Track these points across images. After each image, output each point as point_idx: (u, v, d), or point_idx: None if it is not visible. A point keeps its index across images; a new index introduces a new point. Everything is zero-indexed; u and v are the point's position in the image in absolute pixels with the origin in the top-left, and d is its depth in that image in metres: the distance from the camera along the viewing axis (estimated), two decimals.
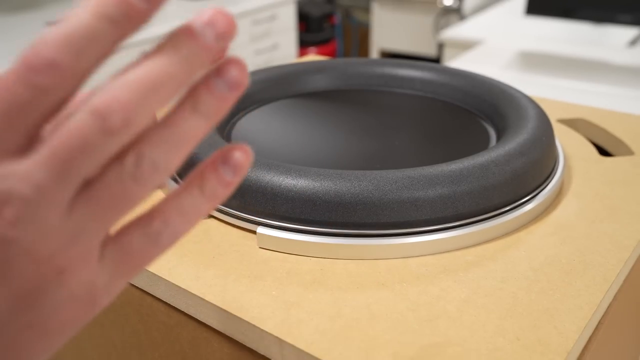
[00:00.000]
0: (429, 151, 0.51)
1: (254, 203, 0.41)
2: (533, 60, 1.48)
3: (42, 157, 0.19)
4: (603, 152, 0.58)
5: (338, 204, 0.39)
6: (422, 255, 0.39)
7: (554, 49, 1.54)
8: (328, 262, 0.39)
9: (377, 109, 0.60)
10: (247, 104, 0.59)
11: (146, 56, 0.21)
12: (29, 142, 0.20)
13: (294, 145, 0.53)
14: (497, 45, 1.58)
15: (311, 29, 2.99)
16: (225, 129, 0.54)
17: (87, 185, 0.20)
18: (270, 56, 2.64)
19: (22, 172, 0.19)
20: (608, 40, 1.65)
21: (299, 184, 0.40)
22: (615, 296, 0.39)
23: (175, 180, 0.47)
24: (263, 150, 0.51)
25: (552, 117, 0.61)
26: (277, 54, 2.67)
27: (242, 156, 0.23)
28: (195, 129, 0.21)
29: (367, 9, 3.11)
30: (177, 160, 0.21)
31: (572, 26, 1.74)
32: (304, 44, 3.00)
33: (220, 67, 0.21)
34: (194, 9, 2.34)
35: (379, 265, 0.39)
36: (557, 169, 0.49)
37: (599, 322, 0.37)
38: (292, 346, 0.32)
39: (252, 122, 0.56)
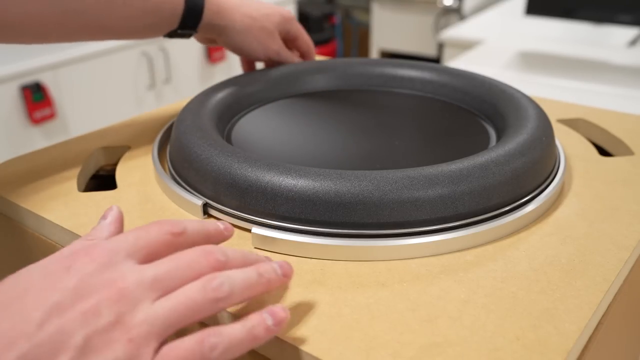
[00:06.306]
0: (429, 151, 0.51)
1: (253, 203, 0.41)
2: (533, 60, 1.48)
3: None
4: (603, 152, 0.58)
5: (338, 204, 0.39)
6: (422, 256, 0.39)
7: (554, 49, 1.54)
8: (328, 262, 0.39)
9: (377, 109, 0.60)
10: (247, 104, 0.59)
11: None
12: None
13: (294, 145, 0.53)
14: (497, 45, 1.58)
15: (311, 29, 2.99)
16: (225, 129, 0.54)
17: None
18: None
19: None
20: (608, 40, 1.65)
21: (299, 184, 0.40)
22: (615, 296, 0.39)
23: (173, 177, 0.47)
24: (263, 150, 0.51)
25: (552, 117, 0.61)
26: None
27: (283, 313, 0.31)
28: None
29: (367, 9, 3.11)
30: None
31: (572, 26, 1.74)
32: None
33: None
34: None
35: (379, 266, 0.39)
36: (557, 169, 0.49)
37: (599, 322, 0.37)
38: (292, 346, 0.32)
39: (252, 122, 0.56)
